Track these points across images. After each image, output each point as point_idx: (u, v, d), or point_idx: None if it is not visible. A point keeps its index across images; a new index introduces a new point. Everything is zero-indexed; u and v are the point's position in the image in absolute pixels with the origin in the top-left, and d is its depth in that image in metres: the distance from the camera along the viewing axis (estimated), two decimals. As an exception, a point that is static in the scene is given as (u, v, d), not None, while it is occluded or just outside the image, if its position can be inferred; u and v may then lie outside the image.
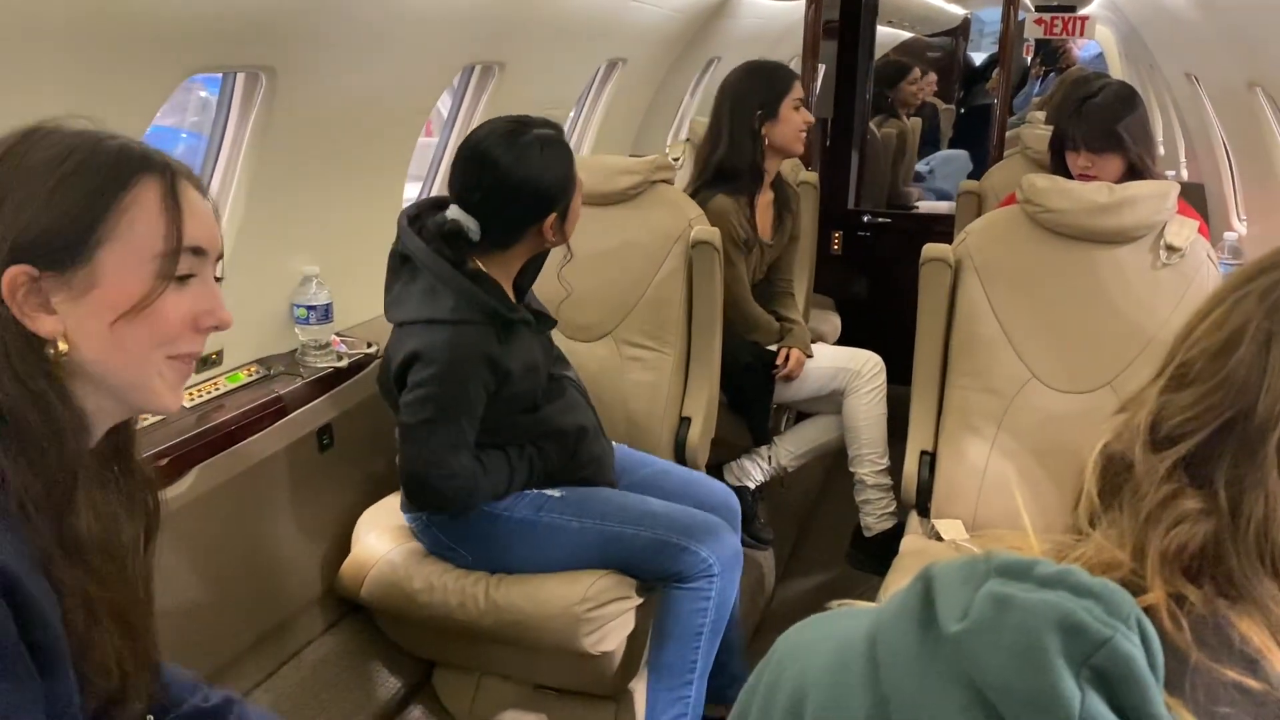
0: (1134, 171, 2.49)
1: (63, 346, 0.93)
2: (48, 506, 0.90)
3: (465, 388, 1.85)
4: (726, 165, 2.82)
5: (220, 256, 1.05)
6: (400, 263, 1.94)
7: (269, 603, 2.13)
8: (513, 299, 1.98)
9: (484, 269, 1.93)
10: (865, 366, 2.87)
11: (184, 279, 0.98)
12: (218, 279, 1.05)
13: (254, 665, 2.10)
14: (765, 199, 2.93)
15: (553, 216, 1.93)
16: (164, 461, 1.84)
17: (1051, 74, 6.54)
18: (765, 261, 2.98)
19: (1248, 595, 0.60)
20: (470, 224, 1.90)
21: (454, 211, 1.91)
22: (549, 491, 2.02)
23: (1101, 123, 2.49)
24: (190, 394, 2.05)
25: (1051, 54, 6.42)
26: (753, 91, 2.83)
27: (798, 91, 2.85)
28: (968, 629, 0.56)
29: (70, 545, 0.92)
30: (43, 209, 0.93)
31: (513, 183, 1.88)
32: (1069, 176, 2.54)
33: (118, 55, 1.65)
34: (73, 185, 0.94)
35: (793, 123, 2.84)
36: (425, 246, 1.88)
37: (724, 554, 2.03)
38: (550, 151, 1.91)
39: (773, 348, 2.89)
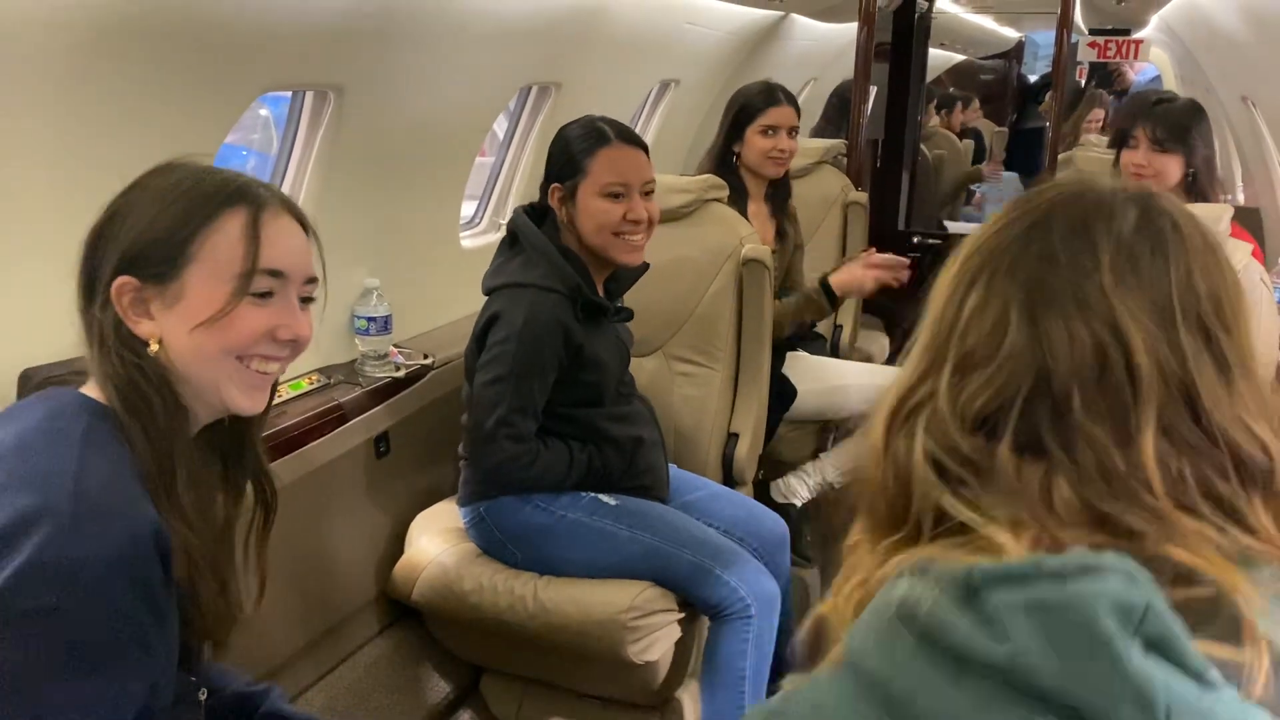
0: (1190, 184, 2.46)
1: (155, 347, 1.10)
2: (159, 474, 1.07)
3: (540, 350, 1.95)
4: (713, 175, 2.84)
5: (313, 280, 1.18)
6: (510, 244, 2.08)
7: (325, 604, 2.19)
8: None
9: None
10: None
11: (264, 296, 1.12)
12: (309, 299, 1.19)
13: (309, 665, 2.16)
14: (760, 210, 2.95)
15: (557, 187, 2.04)
16: (229, 464, 1.91)
17: (1111, 97, 6.50)
18: (776, 271, 2.99)
19: (1130, 529, 0.63)
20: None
21: None
22: (604, 498, 2.07)
23: (1172, 120, 2.45)
24: (254, 400, 2.12)
25: (1106, 76, 6.37)
26: (730, 109, 2.90)
27: (770, 118, 2.83)
28: (1020, 647, 0.56)
29: (177, 508, 1.07)
30: (147, 229, 1.10)
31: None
32: None
33: (196, 72, 1.73)
34: (172, 212, 1.10)
35: (756, 147, 2.86)
36: (529, 221, 2.03)
37: (761, 595, 2.04)
38: (582, 131, 2.04)
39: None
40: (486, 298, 2.08)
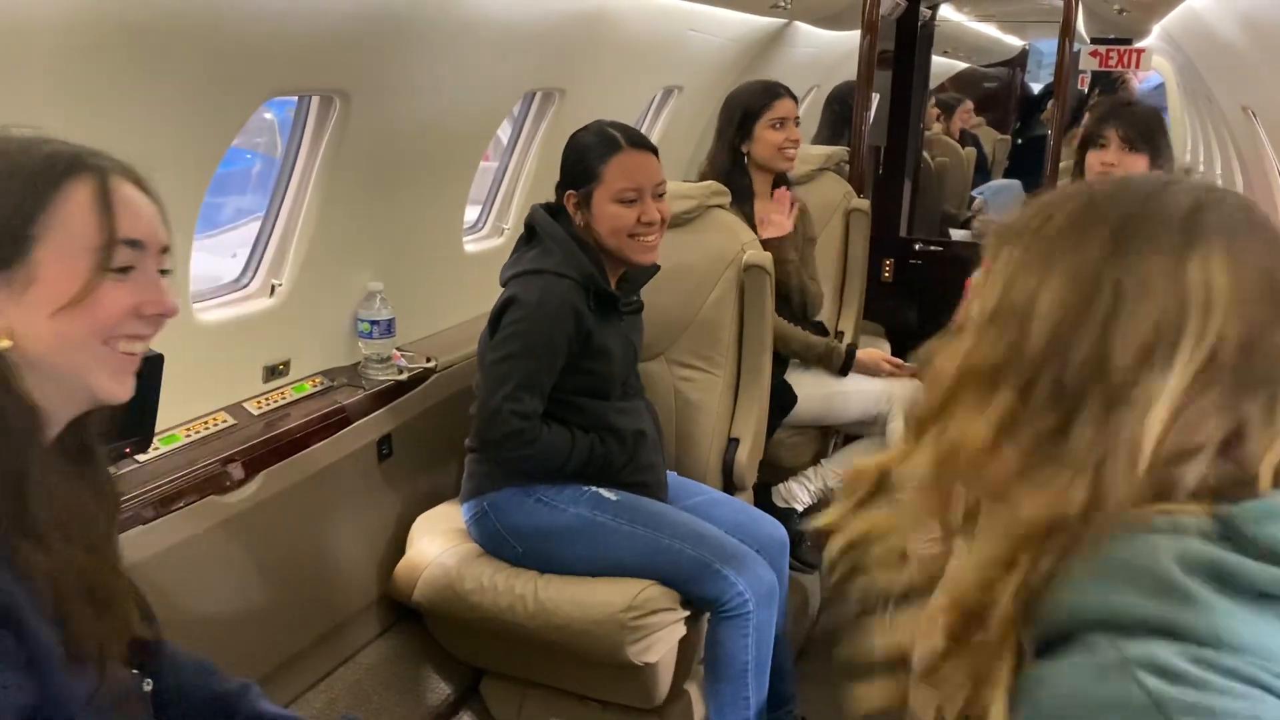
0: None
1: (5, 343, 0.97)
2: (5, 497, 0.95)
3: (551, 331, 2.00)
4: (715, 180, 2.88)
5: (165, 249, 1.07)
6: (527, 239, 2.14)
7: (326, 605, 2.20)
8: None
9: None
10: (905, 389, 2.89)
11: (123, 271, 1.02)
12: (165, 271, 1.08)
13: (310, 666, 2.17)
14: (768, 207, 2.99)
15: (572, 194, 2.09)
16: (232, 465, 1.93)
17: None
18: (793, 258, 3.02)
19: None
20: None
21: None
22: (605, 493, 2.09)
23: (1142, 122, 2.54)
24: (258, 402, 2.14)
25: (1110, 85, 6.39)
26: (733, 110, 2.94)
27: (778, 111, 2.90)
28: None
29: (30, 530, 0.96)
30: None
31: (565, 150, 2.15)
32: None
33: (204, 76, 1.75)
34: (5, 189, 0.98)
35: (767, 141, 2.91)
36: (546, 215, 2.10)
37: (760, 588, 2.07)
38: (595, 139, 2.10)
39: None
40: (503, 288, 2.12)
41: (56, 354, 0.99)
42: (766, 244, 2.90)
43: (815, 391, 2.94)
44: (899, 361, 2.96)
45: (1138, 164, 2.51)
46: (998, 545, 0.69)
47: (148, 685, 1.16)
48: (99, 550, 1.07)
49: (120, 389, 1.05)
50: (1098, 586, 0.64)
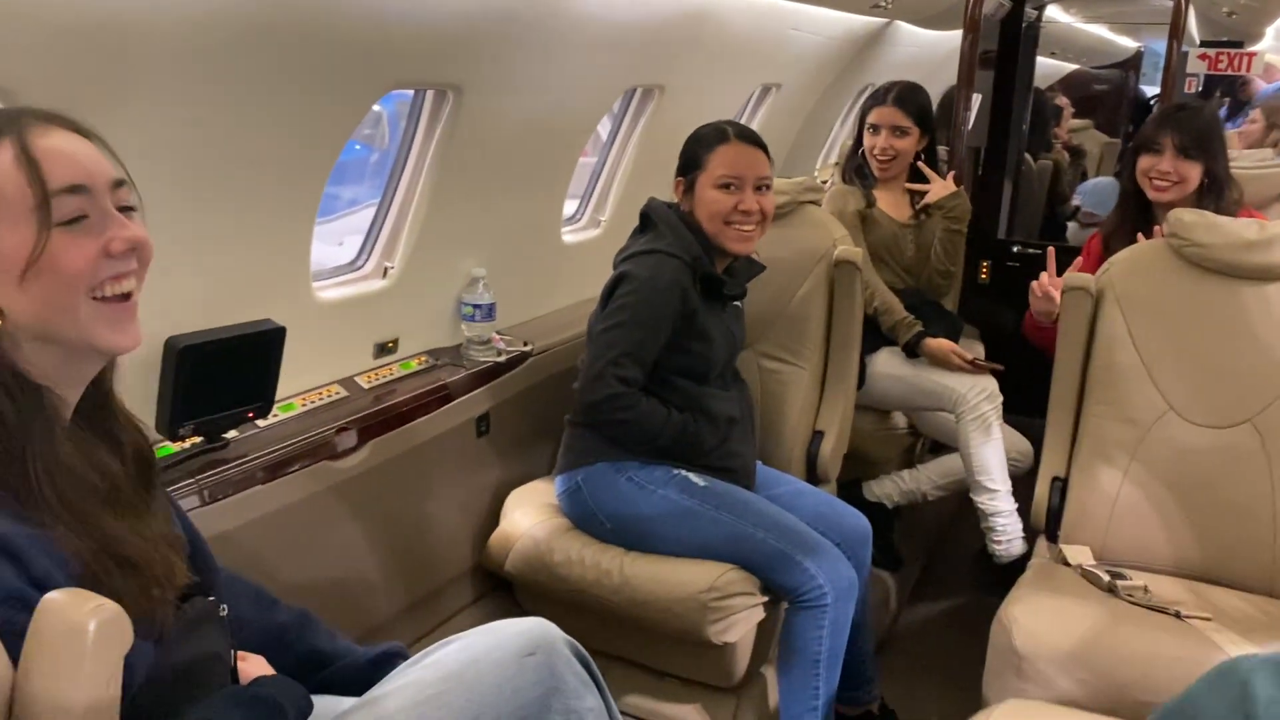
0: (1207, 189, 2.54)
1: None
2: (9, 475, 0.98)
3: (658, 306, 2.11)
4: (847, 166, 3.18)
5: (120, 183, 1.06)
6: (641, 229, 2.27)
7: (424, 570, 2.32)
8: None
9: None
10: (972, 392, 2.84)
11: (75, 221, 1.01)
12: (129, 208, 1.06)
13: (405, 627, 2.29)
14: (885, 196, 3.10)
15: (681, 180, 2.25)
16: (343, 434, 2.06)
17: (1246, 107, 6.28)
18: (911, 240, 3.12)
19: None
20: None
21: None
22: (693, 478, 2.16)
23: (1197, 129, 2.54)
24: (368, 377, 2.28)
25: (1230, 86, 6.20)
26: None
27: (871, 116, 3.09)
28: None
29: (45, 505, 0.98)
30: None
31: None
32: (1135, 190, 2.60)
33: (328, 70, 1.86)
34: None
35: (866, 145, 3.11)
36: (660, 203, 2.24)
37: (839, 583, 2.11)
38: (709, 130, 2.24)
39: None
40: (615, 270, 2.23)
41: (47, 319, 1.01)
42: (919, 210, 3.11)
43: (887, 371, 2.96)
44: (968, 355, 2.91)
45: (1193, 171, 2.53)
46: None
47: (223, 610, 1.19)
48: (129, 512, 1.07)
49: (124, 338, 1.05)
50: None
